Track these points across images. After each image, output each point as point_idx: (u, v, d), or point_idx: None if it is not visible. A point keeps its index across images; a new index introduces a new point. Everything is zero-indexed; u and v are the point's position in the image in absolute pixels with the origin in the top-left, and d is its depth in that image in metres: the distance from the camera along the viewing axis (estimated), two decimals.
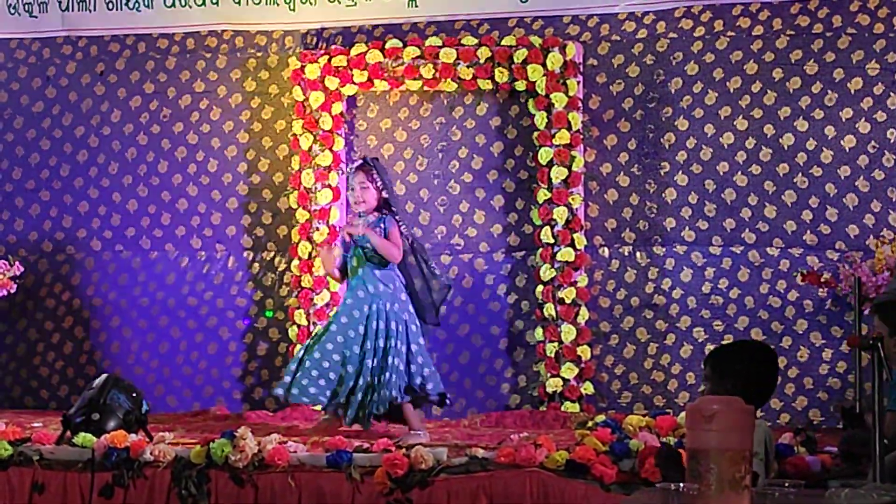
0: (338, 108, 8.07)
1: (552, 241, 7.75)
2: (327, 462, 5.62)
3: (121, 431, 5.90)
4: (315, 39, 8.29)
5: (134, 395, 6.28)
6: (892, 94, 7.56)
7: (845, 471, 5.18)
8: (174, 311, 8.36)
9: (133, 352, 8.41)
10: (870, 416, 5.13)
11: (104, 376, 6.38)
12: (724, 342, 7.36)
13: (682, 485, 3.39)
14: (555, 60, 7.77)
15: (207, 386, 8.28)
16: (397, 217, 6.71)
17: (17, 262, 8.09)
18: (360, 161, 6.89)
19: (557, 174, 7.74)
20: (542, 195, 7.78)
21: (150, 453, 5.74)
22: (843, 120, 7.63)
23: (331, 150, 8.00)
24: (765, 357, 5.02)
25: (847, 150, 7.62)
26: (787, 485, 3.52)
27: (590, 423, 6.33)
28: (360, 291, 6.71)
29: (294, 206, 8.03)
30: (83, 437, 5.88)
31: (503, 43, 7.90)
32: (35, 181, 8.63)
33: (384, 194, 6.72)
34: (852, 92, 7.63)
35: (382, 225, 6.68)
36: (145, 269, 8.46)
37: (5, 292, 8.01)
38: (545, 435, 5.93)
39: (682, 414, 5.73)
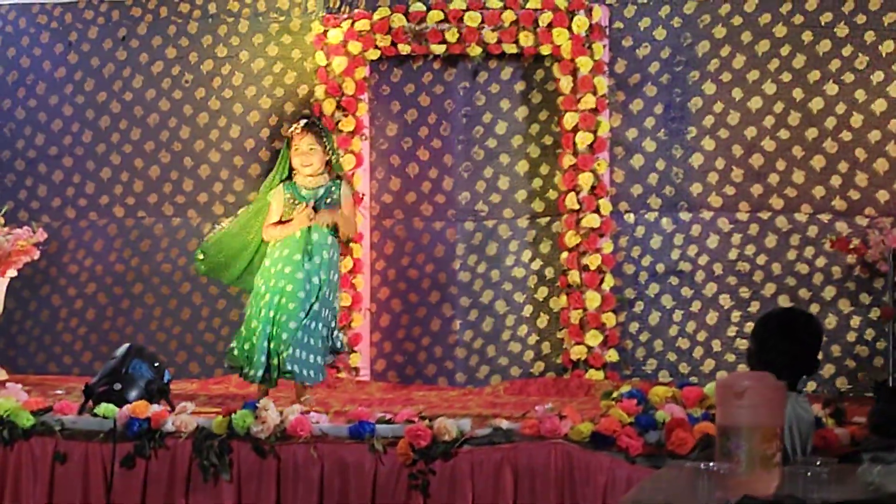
0: (361, 72, 7.99)
1: (577, 207, 7.68)
2: (350, 433, 5.58)
3: (142, 402, 5.86)
4: (338, 3, 8.19)
5: (156, 364, 6.24)
6: None
7: (876, 443, 5.11)
8: (196, 277, 8.31)
9: (156, 318, 8.39)
10: None
11: (126, 346, 6.33)
12: (758, 311, 7.30)
13: (711, 463, 3.34)
14: (580, 24, 7.68)
15: None
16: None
17: (40, 229, 8.07)
18: (306, 120, 6.76)
19: (582, 139, 7.66)
20: (567, 161, 7.70)
21: (172, 424, 5.71)
22: (874, 84, 7.52)
23: (354, 115, 7.94)
24: (807, 326, 4.84)
25: (877, 114, 7.52)
26: (818, 464, 3.46)
27: (615, 394, 6.27)
28: (309, 259, 6.59)
29: None
30: (105, 408, 5.84)
31: (528, 6, 7.80)
32: (57, 147, 8.59)
33: (330, 156, 6.65)
34: (883, 55, 7.52)
35: (335, 193, 6.60)
36: (168, 235, 8.43)
37: (28, 259, 8.00)
38: (570, 406, 5.88)
39: (709, 385, 5.66)
